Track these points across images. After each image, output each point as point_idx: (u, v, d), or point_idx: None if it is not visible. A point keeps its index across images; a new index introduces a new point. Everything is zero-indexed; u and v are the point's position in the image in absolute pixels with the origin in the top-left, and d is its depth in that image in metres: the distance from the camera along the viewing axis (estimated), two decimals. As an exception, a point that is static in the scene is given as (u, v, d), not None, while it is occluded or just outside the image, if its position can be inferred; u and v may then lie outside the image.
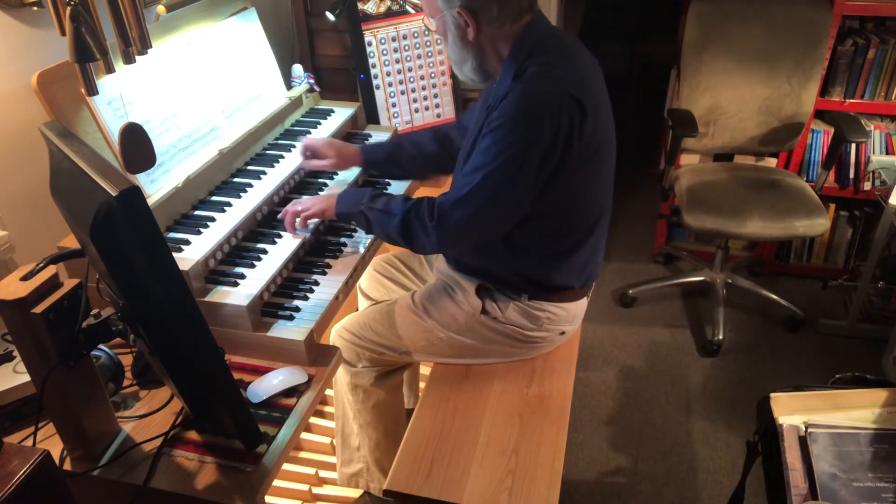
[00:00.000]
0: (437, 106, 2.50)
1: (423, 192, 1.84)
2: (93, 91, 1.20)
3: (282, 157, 1.72)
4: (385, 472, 1.66)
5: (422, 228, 1.36)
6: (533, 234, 1.43)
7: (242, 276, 1.35)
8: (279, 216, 1.52)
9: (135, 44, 1.25)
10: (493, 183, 1.31)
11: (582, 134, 1.31)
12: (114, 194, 0.80)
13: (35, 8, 1.44)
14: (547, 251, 1.46)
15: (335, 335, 1.62)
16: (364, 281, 1.90)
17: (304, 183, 1.71)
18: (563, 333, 1.59)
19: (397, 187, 1.80)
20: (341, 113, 1.99)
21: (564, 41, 1.40)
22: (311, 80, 2.01)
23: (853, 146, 2.61)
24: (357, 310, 2.04)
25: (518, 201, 1.35)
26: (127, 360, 1.28)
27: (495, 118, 1.31)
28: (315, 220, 1.52)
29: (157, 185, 1.46)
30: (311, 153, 1.68)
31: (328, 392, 1.76)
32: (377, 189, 1.73)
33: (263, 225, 1.54)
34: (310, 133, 1.85)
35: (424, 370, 2.13)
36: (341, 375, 1.64)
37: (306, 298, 1.37)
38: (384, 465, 1.69)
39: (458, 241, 1.42)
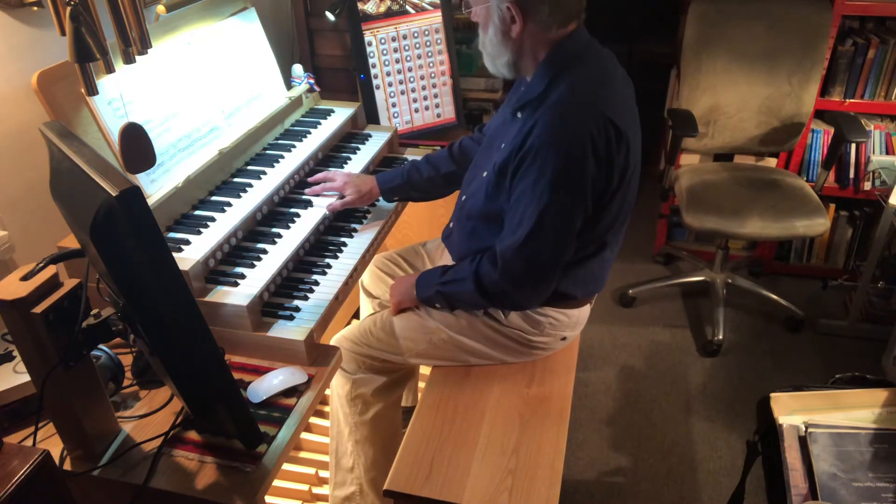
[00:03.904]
0: (437, 106, 2.50)
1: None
2: (93, 91, 1.20)
3: (282, 157, 1.72)
4: (380, 495, 1.62)
5: (494, 285, 1.39)
6: None
7: (242, 276, 1.35)
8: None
9: (135, 44, 1.25)
10: (551, 222, 1.30)
11: (618, 154, 1.31)
12: (114, 194, 0.80)
13: (35, 8, 1.44)
14: None
15: (335, 345, 1.60)
16: (366, 278, 1.90)
17: (304, 182, 1.71)
18: (564, 339, 1.59)
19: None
20: (341, 113, 1.99)
21: (602, 56, 1.38)
22: (311, 80, 2.01)
23: (853, 146, 2.61)
24: (357, 309, 2.04)
25: (575, 233, 1.35)
26: (127, 360, 1.28)
27: (535, 147, 1.28)
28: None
29: (157, 185, 1.46)
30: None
31: (328, 391, 1.76)
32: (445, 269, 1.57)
33: (263, 225, 1.54)
34: (310, 133, 1.85)
35: (424, 370, 2.13)
36: (338, 389, 1.61)
37: (306, 298, 1.37)
38: (379, 487, 1.62)
39: (534, 287, 1.40)
